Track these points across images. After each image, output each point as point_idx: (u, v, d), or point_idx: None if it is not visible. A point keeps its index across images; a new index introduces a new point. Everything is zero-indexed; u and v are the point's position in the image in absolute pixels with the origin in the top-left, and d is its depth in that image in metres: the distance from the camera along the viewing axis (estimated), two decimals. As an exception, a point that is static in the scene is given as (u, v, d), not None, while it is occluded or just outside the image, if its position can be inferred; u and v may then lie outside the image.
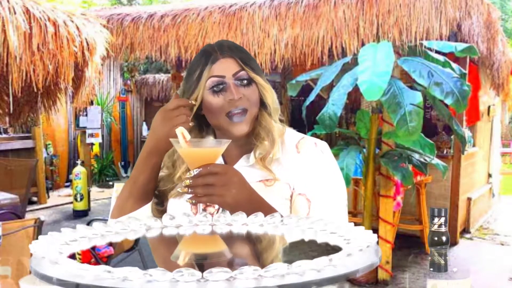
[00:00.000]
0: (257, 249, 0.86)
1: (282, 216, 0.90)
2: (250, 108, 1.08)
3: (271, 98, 1.11)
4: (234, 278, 0.53)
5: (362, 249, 0.63)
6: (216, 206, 1.07)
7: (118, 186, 3.18)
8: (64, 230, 0.76)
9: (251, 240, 0.86)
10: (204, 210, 1.05)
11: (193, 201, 0.91)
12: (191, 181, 0.90)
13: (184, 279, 0.52)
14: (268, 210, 0.97)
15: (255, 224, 0.87)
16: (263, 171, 1.09)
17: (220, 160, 1.12)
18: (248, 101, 1.08)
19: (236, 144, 1.12)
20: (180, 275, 0.52)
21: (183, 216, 0.89)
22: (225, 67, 1.08)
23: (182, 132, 0.93)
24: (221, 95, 1.07)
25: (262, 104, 1.12)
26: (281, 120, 1.18)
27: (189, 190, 0.90)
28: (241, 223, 0.88)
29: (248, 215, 0.95)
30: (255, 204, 0.95)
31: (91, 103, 7.13)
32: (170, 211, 1.13)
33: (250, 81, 1.09)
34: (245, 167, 1.11)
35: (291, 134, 1.17)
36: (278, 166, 1.10)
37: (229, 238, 0.86)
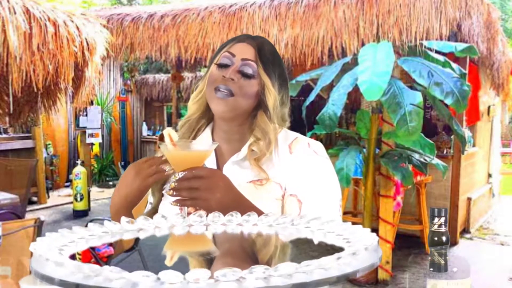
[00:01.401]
0: (256, 250, 0.85)
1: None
2: (237, 95, 1.07)
3: (273, 102, 1.10)
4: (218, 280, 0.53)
5: (362, 250, 0.63)
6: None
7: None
8: (63, 230, 0.76)
9: (252, 240, 0.86)
10: (195, 212, 1.06)
11: (178, 204, 0.90)
12: (176, 184, 0.89)
13: (168, 280, 0.52)
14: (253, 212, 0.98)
15: (265, 224, 0.87)
16: (254, 171, 1.08)
17: (212, 156, 1.13)
18: (240, 89, 1.07)
19: (229, 141, 1.13)
20: (164, 276, 0.52)
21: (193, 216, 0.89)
22: (241, 50, 1.10)
23: (169, 133, 0.91)
24: (222, 70, 1.09)
25: (264, 105, 1.11)
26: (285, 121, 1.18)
27: (174, 193, 0.89)
28: (252, 223, 0.87)
29: None
30: (242, 208, 0.93)
31: (91, 103, 7.13)
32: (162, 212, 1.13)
33: (253, 75, 1.09)
34: (236, 167, 1.10)
35: (285, 134, 1.16)
36: (270, 166, 1.09)
37: (229, 238, 0.86)
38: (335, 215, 1.08)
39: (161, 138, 0.99)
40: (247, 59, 1.09)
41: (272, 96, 1.10)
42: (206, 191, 0.89)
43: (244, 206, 0.95)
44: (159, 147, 0.95)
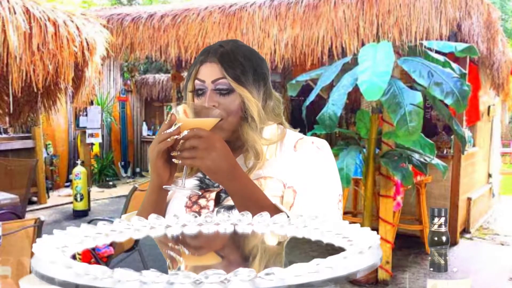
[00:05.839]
0: (256, 250, 0.85)
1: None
2: (226, 117, 1.07)
3: (257, 111, 1.09)
4: (229, 280, 0.53)
5: (363, 250, 0.63)
6: (211, 197, 1.09)
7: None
8: (68, 229, 0.76)
9: (251, 240, 0.86)
10: (196, 202, 1.08)
11: (179, 161, 0.95)
12: (180, 144, 0.95)
13: (179, 281, 0.52)
14: (247, 183, 0.99)
15: (260, 224, 0.87)
16: (255, 172, 1.09)
17: None
18: (225, 110, 1.07)
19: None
20: (175, 277, 0.52)
21: (187, 215, 0.90)
22: (208, 72, 1.09)
23: (185, 109, 0.98)
24: (200, 99, 1.09)
25: (247, 117, 1.10)
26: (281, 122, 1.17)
27: (178, 153, 0.95)
28: (246, 222, 0.88)
29: (227, 184, 0.98)
30: (235, 174, 0.97)
31: (91, 103, 7.13)
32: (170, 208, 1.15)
33: (230, 90, 1.08)
34: None
35: (291, 135, 1.16)
36: (274, 166, 1.10)
37: (230, 238, 0.86)
38: (331, 207, 1.07)
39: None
40: (216, 79, 1.08)
41: (255, 105, 1.09)
42: (203, 150, 0.93)
43: (237, 172, 0.98)
44: (168, 114, 1.00)
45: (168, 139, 0.97)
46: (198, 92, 1.10)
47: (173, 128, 0.97)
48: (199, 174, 1.14)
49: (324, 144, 1.15)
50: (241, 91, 1.08)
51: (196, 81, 1.10)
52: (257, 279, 0.53)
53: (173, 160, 0.97)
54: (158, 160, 1.00)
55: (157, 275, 0.53)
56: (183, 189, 1.00)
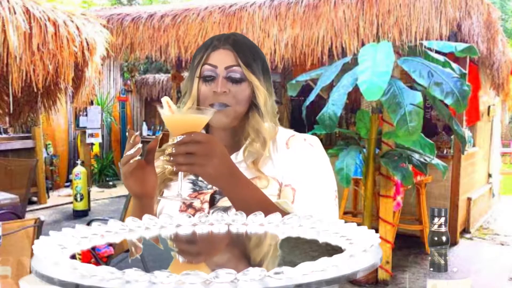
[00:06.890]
0: (256, 250, 0.85)
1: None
2: (234, 105, 1.07)
3: (264, 100, 1.10)
4: (238, 279, 0.53)
5: (363, 251, 0.63)
6: (205, 200, 1.08)
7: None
8: (66, 229, 0.76)
9: (250, 240, 0.86)
10: (190, 205, 1.07)
11: (174, 169, 0.89)
12: (173, 149, 0.87)
13: (190, 281, 0.52)
14: (248, 186, 0.98)
15: (255, 223, 0.87)
16: (252, 172, 1.08)
17: None
18: (234, 98, 1.07)
19: (226, 141, 1.11)
20: (186, 277, 0.52)
21: (181, 215, 0.89)
22: (221, 58, 1.08)
23: (167, 101, 0.92)
24: (209, 85, 1.08)
25: (255, 105, 1.11)
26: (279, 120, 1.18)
27: (171, 158, 0.88)
28: (241, 222, 0.88)
29: (228, 189, 0.95)
30: (236, 178, 0.95)
31: (91, 103, 7.13)
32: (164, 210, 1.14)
33: (242, 79, 1.08)
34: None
35: (282, 132, 1.16)
36: (268, 163, 1.10)
37: (228, 238, 0.86)
38: (329, 204, 1.07)
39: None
40: (230, 66, 1.07)
41: (262, 94, 1.10)
42: (202, 156, 0.88)
43: (239, 177, 0.96)
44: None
45: (131, 161, 0.95)
46: (206, 78, 1.08)
47: (134, 149, 0.94)
48: (191, 177, 1.13)
49: (316, 141, 1.15)
50: (253, 79, 1.08)
51: (206, 66, 1.08)
52: (267, 278, 0.53)
53: (165, 165, 0.93)
54: (129, 181, 0.99)
55: (167, 275, 0.52)
56: (179, 200, 0.97)
